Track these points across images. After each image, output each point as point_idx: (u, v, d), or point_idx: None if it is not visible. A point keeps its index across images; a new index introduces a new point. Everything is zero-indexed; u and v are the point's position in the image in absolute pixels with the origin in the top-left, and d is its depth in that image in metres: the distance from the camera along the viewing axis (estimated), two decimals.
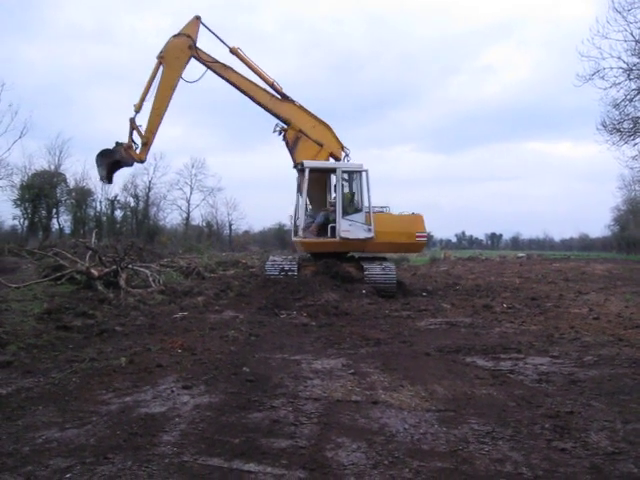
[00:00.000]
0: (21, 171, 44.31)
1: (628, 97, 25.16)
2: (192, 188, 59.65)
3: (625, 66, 24.29)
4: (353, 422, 4.84)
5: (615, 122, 26.42)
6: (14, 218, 47.03)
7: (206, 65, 15.94)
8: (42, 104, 61.78)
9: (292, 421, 4.83)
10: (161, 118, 15.47)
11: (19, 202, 45.24)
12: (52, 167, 47.39)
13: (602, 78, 24.70)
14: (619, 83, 24.70)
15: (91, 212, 53.88)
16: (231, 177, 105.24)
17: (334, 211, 15.78)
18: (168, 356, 7.34)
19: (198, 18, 15.85)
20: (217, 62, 16.05)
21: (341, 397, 5.61)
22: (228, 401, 5.43)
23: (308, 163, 15.76)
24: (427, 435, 4.53)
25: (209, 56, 15.99)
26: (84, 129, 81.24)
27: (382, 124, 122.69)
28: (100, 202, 53.66)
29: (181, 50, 15.54)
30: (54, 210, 48.56)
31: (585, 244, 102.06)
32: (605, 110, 26.96)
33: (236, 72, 16.25)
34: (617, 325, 10.19)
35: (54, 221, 49.62)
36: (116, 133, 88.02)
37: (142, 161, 16.10)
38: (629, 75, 24.45)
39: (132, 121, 15.20)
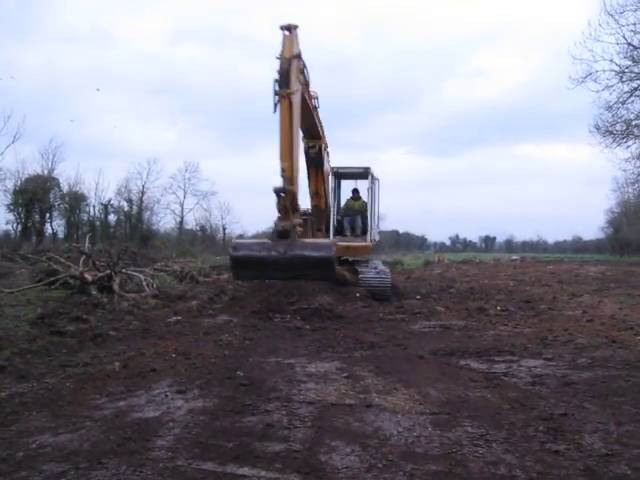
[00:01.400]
0: (14, 176, 44.19)
1: (621, 99, 25.44)
2: (185, 192, 59.51)
3: (617, 69, 24.55)
4: (347, 425, 4.84)
5: (608, 124, 26.69)
6: (7, 223, 46.82)
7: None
8: (35, 108, 61.50)
9: (286, 425, 4.82)
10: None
11: (12, 207, 45.09)
12: (45, 172, 47.23)
13: (595, 81, 24.98)
14: (612, 86, 24.97)
15: (84, 216, 53.74)
16: (224, 181, 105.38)
17: (366, 216, 16.00)
18: (162, 360, 7.32)
19: (296, 28, 11.79)
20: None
21: (335, 401, 5.61)
22: (222, 405, 5.42)
23: (371, 170, 15.99)
24: (421, 438, 4.53)
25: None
26: (78, 133, 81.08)
27: (375, 127, 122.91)
28: (94, 206, 53.52)
29: (298, 79, 11.84)
30: (47, 215, 48.43)
31: (579, 246, 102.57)
32: (598, 113, 27.22)
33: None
34: (611, 327, 10.22)
35: (47, 226, 49.51)
36: (111, 138, 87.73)
37: None
38: (621, 78, 24.71)
39: (292, 192, 10.95)
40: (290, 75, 11.14)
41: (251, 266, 10.75)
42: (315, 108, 13.91)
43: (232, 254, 10.87)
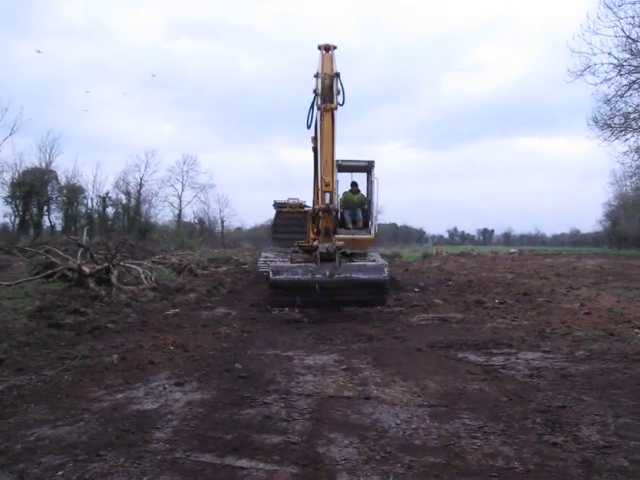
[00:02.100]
0: (12, 168, 44.04)
1: (619, 93, 25.36)
2: (184, 185, 59.42)
3: (616, 62, 24.47)
4: (345, 418, 4.84)
5: (606, 118, 26.60)
6: (5, 216, 46.73)
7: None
8: (33, 101, 61.30)
9: (284, 417, 4.83)
10: None
11: (10, 200, 44.94)
12: (43, 164, 47.08)
13: (593, 74, 24.91)
14: (610, 79, 24.88)
15: (82, 209, 53.61)
16: (223, 174, 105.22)
17: (366, 209, 16.01)
18: (160, 353, 7.33)
19: (335, 48, 12.12)
20: None
21: (333, 393, 5.61)
22: (220, 397, 5.42)
23: (374, 163, 15.85)
24: (419, 430, 4.54)
25: None
26: (75, 127, 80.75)
27: (374, 120, 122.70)
28: (91, 199, 53.45)
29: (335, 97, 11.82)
30: (45, 207, 48.29)
31: (577, 239, 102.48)
32: (596, 106, 27.16)
33: None
34: (608, 320, 10.23)
35: (45, 218, 49.36)
36: (109, 130, 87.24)
37: None
38: (620, 71, 24.63)
39: (337, 211, 11.51)
40: (333, 90, 11.33)
41: (293, 291, 10.33)
42: None
43: (272, 278, 10.50)
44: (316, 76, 11.78)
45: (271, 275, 10.57)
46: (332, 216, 10.74)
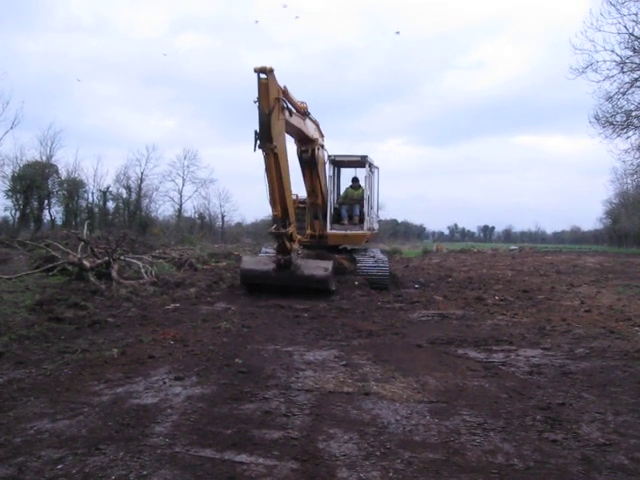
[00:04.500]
0: (12, 162, 43.94)
1: (621, 90, 25.33)
2: (184, 180, 59.37)
3: (618, 59, 24.40)
4: (345, 413, 4.84)
5: (608, 115, 26.59)
6: (6, 209, 46.66)
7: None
8: (35, 95, 61.33)
9: (284, 412, 4.82)
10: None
11: (10, 193, 44.83)
12: (44, 158, 46.96)
13: (595, 71, 24.87)
14: (612, 76, 24.84)
15: (83, 203, 53.54)
16: (224, 169, 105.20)
17: (364, 205, 16.03)
18: (160, 347, 7.32)
19: (272, 71, 10.64)
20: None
21: (333, 388, 5.61)
22: (220, 392, 5.42)
23: (369, 158, 15.95)
24: (419, 426, 4.54)
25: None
26: (77, 121, 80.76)
27: (376, 117, 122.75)
28: (92, 193, 53.41)
29: (281, 121, 11.24)
30: (46, 201, 48.17)
31: (577, 237, 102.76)
32: (598, 103, 27.17)
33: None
34: (608, 318, 10.23)
35: (46, 212, 49.23)
36: (109, 125, 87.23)
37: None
38: (622, 68, 24.60)
39: (287, 234, 11.64)
40: (271, 129, 10.42)
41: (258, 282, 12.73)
42: (306, 115, 13.73)
43: (241, 276, 13.40)
44: (256, 102, 10.70)
45: (240, 274, 13.41)
46: (285, 237, 11.81)
